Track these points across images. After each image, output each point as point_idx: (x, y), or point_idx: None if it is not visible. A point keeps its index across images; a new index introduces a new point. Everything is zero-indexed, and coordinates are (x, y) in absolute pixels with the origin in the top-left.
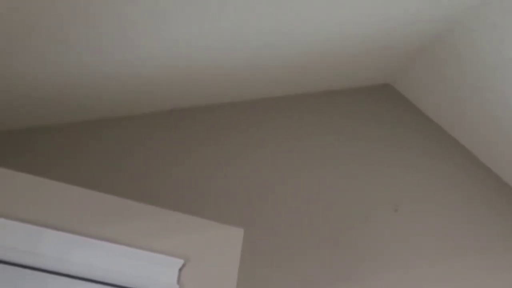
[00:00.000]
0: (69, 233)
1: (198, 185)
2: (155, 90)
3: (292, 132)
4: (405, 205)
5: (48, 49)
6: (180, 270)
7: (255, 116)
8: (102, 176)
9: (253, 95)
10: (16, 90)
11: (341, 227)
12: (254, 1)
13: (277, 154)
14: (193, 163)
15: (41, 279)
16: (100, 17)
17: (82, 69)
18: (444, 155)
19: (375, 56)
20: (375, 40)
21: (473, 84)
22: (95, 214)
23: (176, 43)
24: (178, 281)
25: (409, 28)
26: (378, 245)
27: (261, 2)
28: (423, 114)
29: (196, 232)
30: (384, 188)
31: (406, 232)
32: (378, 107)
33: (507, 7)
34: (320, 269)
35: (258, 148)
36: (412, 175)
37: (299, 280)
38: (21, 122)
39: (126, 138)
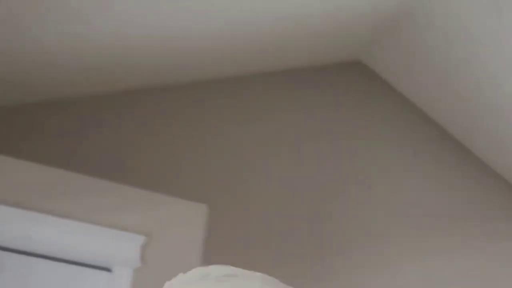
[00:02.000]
0: (29, 210)
1: (166, 162)
2: (116, 70)
3: (263, 109)
4: (378, 179)
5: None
6: (143, 247)
7: (224, 95)
8: (66, 153)
9: (222, 74)
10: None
11: (313, 203)
12: None
13: (248, 132)
14: (162, 141)
15: (0, 257)
16: None
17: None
18: (410, 127)
19: (343, 33)
20: (342, 17)
21: (438, 55)
22: (55, 191)
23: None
24: (142, 258)
25: (375, 3)
26: (351, 220)
27: None
28: (393, 89)
29: (158, 208)
30: (356, 163)
31: (378, 206)
32: (350, 83)
33: None
34: (291, 244)
35: (228, 126)
36: (385, 150)
37: (269, 256)
38: None
39: (92, 116)
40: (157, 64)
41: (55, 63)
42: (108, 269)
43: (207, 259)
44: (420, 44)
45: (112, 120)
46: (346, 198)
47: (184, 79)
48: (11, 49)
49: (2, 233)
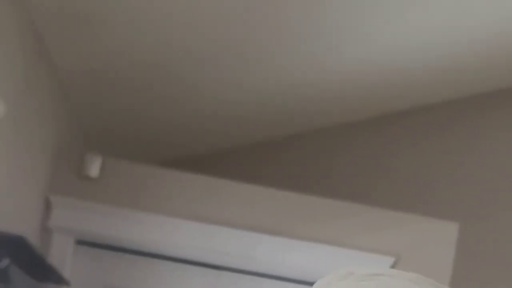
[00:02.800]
0: (281, 236)
1: (414, 182)
2: (371, 94)
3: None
4: None
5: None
6: (391, 268)
7: (472, 112)
8: (312, 179)
9: (466, 92)
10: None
11: None
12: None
13: (497, 152)
14: (408, 162)
15: (256, 282)
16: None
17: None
18: None
19: None
20: None
21: None
22: (304, 216)
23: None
24: None
25: None
26: None
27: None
28: None
29: (406, 228)
30: None
31: None
32: None
33: None
34: None
35: (478, 142)
36: None
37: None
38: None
39: (340, 143)
40: (413, 86)
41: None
42: None
43: (456, 280)
44: None
45: (360, 145)
46: None
47: (436, 99)
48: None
49: (257, 259)
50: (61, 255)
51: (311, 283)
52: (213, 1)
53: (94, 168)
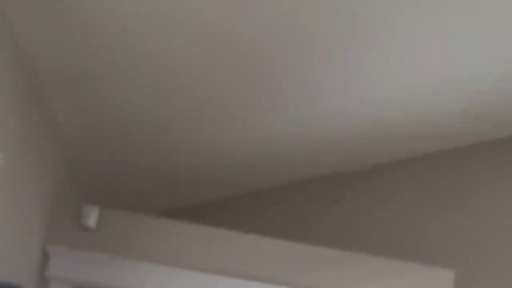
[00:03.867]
0: (278, 285)
1: (409, 230)
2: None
3: (504, 176)
4: None
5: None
6: None
7: (467, 163)
8: (307, 228)
9: (451, 144)
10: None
11: None
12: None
13: (488, 199)
14: (404, 210)
15: None
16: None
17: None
18: None
19: None
20: None
21: None
22: (301, 265)
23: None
24: None
25: None
26: None
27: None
28: None
29: (404, 276)
30: None
31: None
32: None
33: None
34: None
35: (465, 192)
36: None
37: None
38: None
39: (332, 194)
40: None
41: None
42: None
43: None
44: None
45: (355, 194)
46: None
47: (426, 151)
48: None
49: None
50: None
51: None
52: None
53: (91, 218)
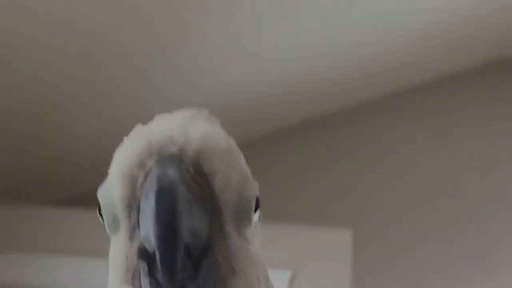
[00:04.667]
0: None
1: (308, 191)
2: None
3: (415, 127)
4: None
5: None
6: (291, 281)
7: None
8: None
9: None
10: None
11: (471, 225)
12: None
13: (394, 153)
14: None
15: None
16: None
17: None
18: None
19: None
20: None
21: None
22: None
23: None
24: None
25: None
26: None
27: None
28: None
29: (302, 239)
30: None
31: None
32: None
33: None
34: (442, 264)
35: (368, 148)
36: None
37: (418, 281)
38: None
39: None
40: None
41: None
42: None
43: (358, 285)
44: None
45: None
46: None
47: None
48: None
49: None
50: None
51: None
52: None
53: None
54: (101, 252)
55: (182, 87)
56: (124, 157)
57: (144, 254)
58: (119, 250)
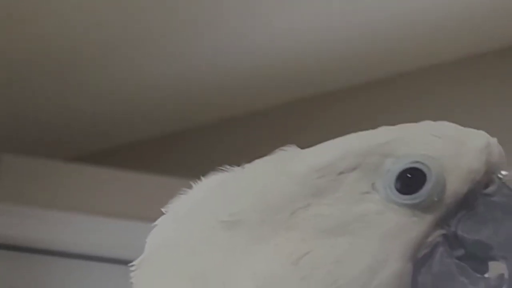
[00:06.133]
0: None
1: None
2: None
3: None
4: None
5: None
6: None
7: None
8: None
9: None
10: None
11: None
12: None
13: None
14: None
15: None
16: None
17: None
18: None
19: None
20: None
21: None
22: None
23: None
24: None
25: None
26: None
27: None
28: None
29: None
30: None
31: None
32: None
33: None
34: None
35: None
36: None
37: None
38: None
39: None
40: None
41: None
42: None
43: None
44: None
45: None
46: None
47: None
48: None
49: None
50: None
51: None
52: None
53: None
54: (114, 211)
55: (203, 50)
56: (476, 156)
57: (450, 243)
58: (407, 227)
